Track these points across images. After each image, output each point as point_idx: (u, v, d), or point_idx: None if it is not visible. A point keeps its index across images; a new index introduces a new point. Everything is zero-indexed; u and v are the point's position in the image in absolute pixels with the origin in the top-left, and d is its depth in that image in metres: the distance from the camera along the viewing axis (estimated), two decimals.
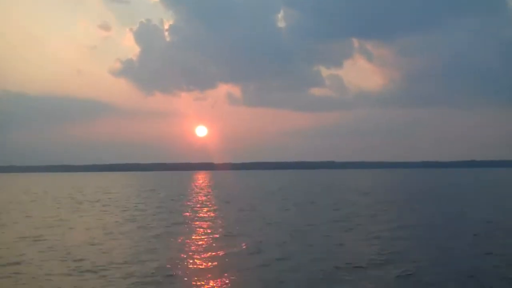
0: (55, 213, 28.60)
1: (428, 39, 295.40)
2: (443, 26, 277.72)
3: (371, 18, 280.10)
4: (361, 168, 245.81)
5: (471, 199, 37.91)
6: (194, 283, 11.34)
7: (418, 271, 12.15)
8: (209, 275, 12.00)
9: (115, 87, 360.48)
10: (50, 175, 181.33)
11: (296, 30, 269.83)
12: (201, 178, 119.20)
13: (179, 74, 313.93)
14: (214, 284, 11.23)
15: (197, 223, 22.84)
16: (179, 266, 13.06)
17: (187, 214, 27.27)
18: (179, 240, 17.44)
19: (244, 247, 15.80)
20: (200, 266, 13.02)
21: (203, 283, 11.29)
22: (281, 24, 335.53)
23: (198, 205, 33.21)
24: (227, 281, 11.43)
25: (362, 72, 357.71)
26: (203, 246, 16.31)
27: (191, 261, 13.68)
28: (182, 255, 14.55)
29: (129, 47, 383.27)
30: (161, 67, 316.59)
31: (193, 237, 18.41)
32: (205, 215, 26.58)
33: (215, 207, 31.23)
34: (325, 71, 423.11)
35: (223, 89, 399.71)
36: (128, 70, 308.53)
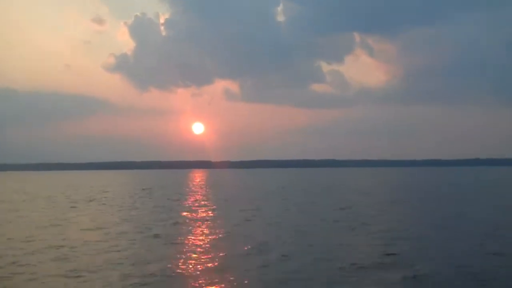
0: (49, 213, 28.59)
1: (432, 34, 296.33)
2: (448, 20, 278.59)
3: (373, 11, 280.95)
4: (363, 166, 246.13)
5: (475, 198, 38.02)
6: (194, 284, 11.36)
7: (425, 272, 12.18)
8: (209, 276, 12.02)
9: (109, 83, 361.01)
10: (43, 174, 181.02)
11: (296, 23, 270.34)
12: (198, 177, 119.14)
13: (175, 69, 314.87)
14: (215, 286, 11.25)
15: (196, 223, 22.87)
16: (178, 267, 13.08)
17: (185, 213, 27.30)
18: (178, 241, 17.45)
19: (245, 247, 15.82)
20: (200, 267, 13.03)
21: (203, 284, 11.31)
22: (280, 17, 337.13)
23: (196, 205, 33.23)
24: (228, 282, 11.45)
25: (364, 67, 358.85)
26: (203, 246, 16.35)
27: (190, 261, 13.70)
28: (181, 255, 14.57)
29: (124, 42, 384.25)
30: (156, 63, 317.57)
31: (192, 237, 18.43)
32: (203, 214, 26.61)
33: (213, 207, 31.26)
34: (325, 67, 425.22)
35: (221, 85, 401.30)
36: (122, 65, 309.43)
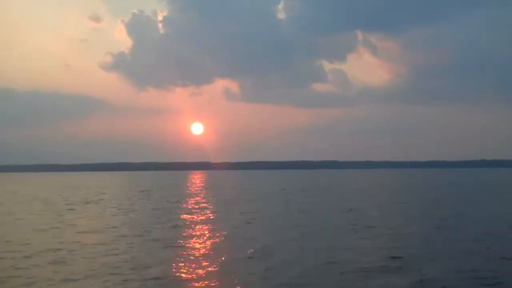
0: (47, 215, 28.57)
1: (436, 31, 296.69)
2: (452, 18, 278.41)
3: (376, 9, 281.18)
4: (365, 168, 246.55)
5: (480, 200, 37.96)
6: None
7: (432, 276, 12.14)
8: (211, 281, 11.98)
9: (106, 82, 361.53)
10: (40, 175, 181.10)
11: (297, 21, 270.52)
12: (197, 178, 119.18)
13: (174, 68, 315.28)
14: None
15: (196, 225, 22.86)
16: (178, 271, 13.05)
17: (185, 216, 27.28)
18: (178, 244, 17.42)
19: (246, 251, 15.77)
20: (200, 271, 12.99)
21: None
22: (281, 15, 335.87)
23: (196, 207, 33.21)
24: (229, 287, 11.46)
25: (367, 66, 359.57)
26: (203, 250, 16.34)
27: (191, 265, 13.66)
28: (181, 259, 14.54)
29: (121, 40, 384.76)
30: (154, 61, 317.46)
31: (192, 240, 18.40)
32: (203, 217, 26.59)
33: (213, 209, 31.24)
34: (327, 65, 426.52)
35: (220, 84, 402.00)
36: (120, 64, 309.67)
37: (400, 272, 12.74)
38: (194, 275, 12.59)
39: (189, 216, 27.42)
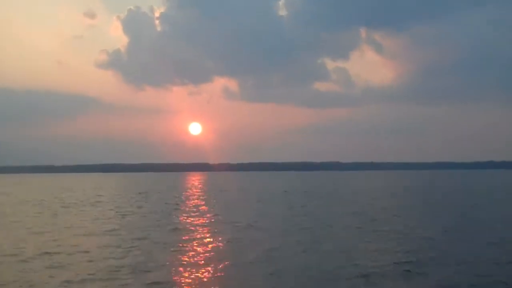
0: (42, 218, 28.61)
1: (442, 28, 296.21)
2: (459, 14, 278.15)
3: (380, 5, 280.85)
4: (369, 169, 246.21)
5: (489, 203, 37.94)
6: None
7: (443, 284, 12.16)
8: (214, 286, 12.02)
9: (102, 81, 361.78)
10: (32, 176, 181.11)
11: (298, 18, 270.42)
12: (196, 180, 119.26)
13: (171, 66, 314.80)
14: None
15: (196, 229, 22.86)
16: (179, 275, 13.08)
17: (184, 219, 27.31)
18: (178, 248, 17.45)
19: (249, 255, 15.79)
20: (203, 276, 13.01)
21: None
22: (282, 12, 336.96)
23: (195, 210, 33.23)
24: None
25: (371, 64, 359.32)
26: (205, 254, 16.32)
27: (192, 270, 13.66)
28: (182, 263, 14.56)
29: (117, 37, 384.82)
30: (151, 59, 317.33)
31: (192, 244, 18.41)
32: (203, 220, 26.61)
33: (213, 212, 31.23)
34: (330, 64, 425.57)
35: (219, 83, 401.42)
36: (115, 62, 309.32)
37: (409, 277, 12.75)
38: (195, 280, 12.60)
39: (189, 219, 27.44)
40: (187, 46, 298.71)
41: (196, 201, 43.16)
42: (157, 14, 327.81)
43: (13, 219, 27.65)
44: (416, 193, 54.40)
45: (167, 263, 14.74)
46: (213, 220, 26.79)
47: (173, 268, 13.95)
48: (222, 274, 13.27)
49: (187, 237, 20.07)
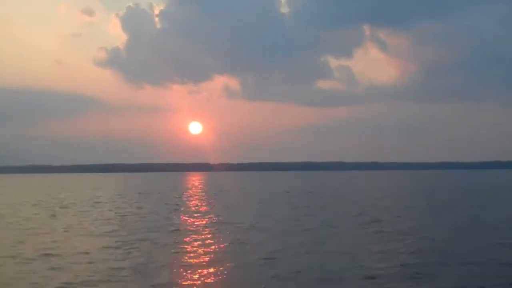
0: (41, 219, 28.66)
1: (448, 26, 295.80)
2: (465, 12, 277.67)
3: (385, 2, 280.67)
4: (372, 169, 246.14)
5: (495, 203, 37.92)
6: None
7: (450, 285, 12.17)
8: None
9: (100, 79, 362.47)
10: (30, 177, 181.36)
11: (301, 15, 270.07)
12: (196, 180, 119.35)
13: (171, 64, 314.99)
14: None
15: (198, 230, 22.86)
16: (180, 278, 13.06)
17: (186, 220, 27.34)
18: (180, 250, 17.46)
19: (252, 257, 15.78)
20: (204, 279, 12.98)
21: None
22: (284, 9, 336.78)
23: (197, 210, 33.27)
24: None
25: (374, 62, 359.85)
26: (207, 256, 16.30)
27: (194, 272, 13.65)
28: (184, 266, 14.55)
29: (115, 35, 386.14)
30: (150, 57, 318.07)
31: (194, 246, 18.42)
32: (205, 221, 26.60)
33: (215, 213, 31.23)
34: (333, 62, 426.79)
35: (220, 81, 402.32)
36: (114, 60, 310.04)
37: (416, 279, 12.71)
38: (197, 282, 12.60)
39: (190, 220, 27.48)
40: (187, 44, 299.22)
41: (196, 201, 43.21)
42: (156, 11, 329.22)
43: (11, 220, 27.69)
44: (420, 193, 54.37)
45: (168, 264, 14.75)
46: (214, 221, 26.80)
47: (175, 270, 13.96)
48: (224, 276, 13.26)
49: (188, 239, 20.08)
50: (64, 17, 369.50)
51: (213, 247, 18.05)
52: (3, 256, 16.09)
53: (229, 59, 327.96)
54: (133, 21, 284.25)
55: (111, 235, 21.15)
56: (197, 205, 38.18)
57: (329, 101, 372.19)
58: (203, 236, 20.81)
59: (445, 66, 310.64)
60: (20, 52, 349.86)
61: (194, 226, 24.49)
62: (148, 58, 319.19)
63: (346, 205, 36.43)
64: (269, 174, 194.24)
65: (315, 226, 23.54)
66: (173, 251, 17.20)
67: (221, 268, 14.07)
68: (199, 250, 17.47)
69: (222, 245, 18.34)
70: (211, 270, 13.95)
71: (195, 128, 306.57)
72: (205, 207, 36.15)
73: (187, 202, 42.17)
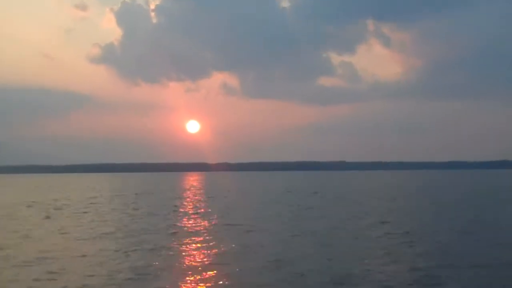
0: (35, 221, 28.62)
1: (454, 21, 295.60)
2: (472, 7, 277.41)
3: None
4: (376, 169, 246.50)
5: (503, 204, 37.92)
6: None
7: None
8: None
9: (94, 76, 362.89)
10: (25, 177, 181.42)
11: (302, 10, 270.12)
12: (194, 181, 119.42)
13: (167, 61, 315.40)
14: None
15: (198, 233, 22.78)
16: (180, 283, 13.01)
17: (185, 222, 27.28)
18: (179, 253, 17.42)
19: (255, 261, 15.71)
20: (206, 284, 12.92)
21: None
22: (285, 3, 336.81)
23: (196, 212, 33.22)
24: None
25: (378, 59, 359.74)
26: (208, 260, 16.23)
27: (194, 277, 13.58)
28: (183, 270, 14.50)
29: (110, 30, 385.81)
30: (146, 53, 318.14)
31: (194, 249, 18.37)
32: (205, 223, 26.55)
33: (216, 214, 31.20)
34: (335, 58, 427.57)
35: (218, 78, 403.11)
36: (108, 56, 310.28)
37: (425, 282, 12.70)
38: (198, 287, 12.55)
39: (189, 221, 27.45)
40: (184, 39, 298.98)
41: (195, 202, 43.18)
42: (152, 6, 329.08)
43: (3, 222, 27.65)
44: (426, 193, 54.40)
45: (168, 268, 14.69)
46: (214, 222, 26.77)
47: (175, 274, 13.91)
48: (227, 279, 13.17)
49: (187, 241, 20.02)
50: (56, 12, 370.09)
51: (214, 250, 18.00)
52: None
53: (227, 55, 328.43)
54: (128, 16, 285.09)
55: (108, 237, 21.11)
56: (196, 206, 38.15)
57: (332, 99, 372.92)
58: (203, 239, 20.78)
59: (450, 62, 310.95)
60: (10, 48, 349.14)
61: (194, 228, 24.45)
62: (143, 54, 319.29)
63: (350, 206, 36.42)
64: (269, 174, 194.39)
65: (319, 228, 23.50)
66: (172, 254, 17.16)
67: (223, 272, 14.01)
68: (200, 253, 17.43)
69: (223, 248, 18.27)
70: (213, 273, 13.89)
71: (193, 126, 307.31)
72: (204, 208, 36.12)
73: (186, 203, 42.14)
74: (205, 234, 22.06)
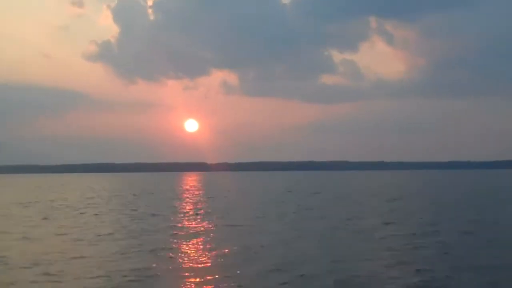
0: (31, 222, 28.58)
1: (458, 18, 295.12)
2: (477, 3, 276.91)
3: None
4: (379, 169, 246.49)
5: (509, 205, 37.97)
6: None
7: None
8: None
9: (90, 74, 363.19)
10: (21, 177, 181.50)
11: (303, 6, 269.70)
12: (193, 181, 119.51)
13: (165, 58, 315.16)
14: None
15: (198, 234, 22.75)
16: (183, 285, 12.99)
17: (186, 223, 27.27)
18: (181, 255, 17.37)
19: (258, 262, 15.68)
20: (209, 285, 12.92)
21: None
22: (285, 0, 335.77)
23: (196, 213, 33.17)
24: None
25: (381, 56, 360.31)
26: (210, 262, 16.22)
27: (196, 280, 13.54)
28: (185, 273, 14.45)
29: (106, 27, 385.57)
30: (144, 51, 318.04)
31: (195, 251, 18.36)
32: (205, 224, 26.50)
33: (216, 215, 31.20)
34: (337, 56, 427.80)
35: (217, 76, 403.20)
36: (105, 54, 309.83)
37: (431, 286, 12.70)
38: None
39: (189, 222, 27.42)
40: (182, 37, 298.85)
41: (195, 203, 43.17)
42: (149, 2, 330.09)
43: (1, 223, 27.64)
44: (430, 194, 54.43)
45: (168, 270, 14.65)
46: (214, 223, 26.76)
47: (174, 275, 13.89)
48: (228, 282, 13.14)
49: (188, 242, 19.99)
50: (52, 9, 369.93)
51: (214, 251, 17.95)
52: None
53: (227, 53, 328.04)
54: (125, 12, 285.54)
55: (107, 239, 21.10)
56: (196, 207, 38.12)
57: (334, 97, 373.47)
58: (203, 239, 20.78)
59: (455, 60, 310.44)
60: (5, 45, 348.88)
61: (194, 229, 24.44)
62: (141, 51, 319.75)
63: (352, 206, 36.44)
64: (269, 174, 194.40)
65: (321, 229, 23.51)
66: (172, 255, 17.11)
67: (224, 274, 13.96)
68: (200, 254, 17.42)
69: (224, 249, 18.22)
70: (214, 275, 13.84)
71: (191, 125, 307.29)
72: (204, 209, 36.08)
73: (185, 204, 42.15)
74: (205, 235, 22.07)
